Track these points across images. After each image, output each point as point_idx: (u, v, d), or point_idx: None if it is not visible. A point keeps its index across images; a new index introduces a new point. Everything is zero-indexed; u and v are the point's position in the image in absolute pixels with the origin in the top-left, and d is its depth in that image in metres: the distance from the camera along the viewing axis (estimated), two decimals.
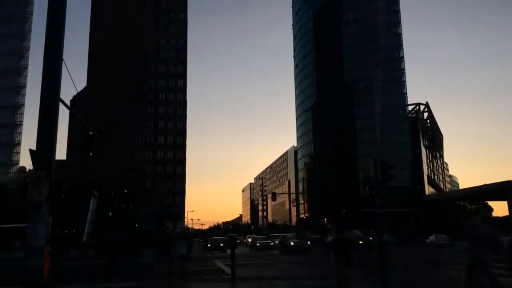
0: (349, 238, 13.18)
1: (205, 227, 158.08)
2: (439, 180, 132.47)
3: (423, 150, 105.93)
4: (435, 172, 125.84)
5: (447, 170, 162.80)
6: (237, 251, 20.69)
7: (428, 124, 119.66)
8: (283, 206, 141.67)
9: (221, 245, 41.68)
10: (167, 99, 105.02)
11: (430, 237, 46.42)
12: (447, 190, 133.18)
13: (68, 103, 11.19)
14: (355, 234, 38.33)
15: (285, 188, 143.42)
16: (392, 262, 16.32)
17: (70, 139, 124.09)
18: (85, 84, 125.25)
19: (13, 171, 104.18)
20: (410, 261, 23.49)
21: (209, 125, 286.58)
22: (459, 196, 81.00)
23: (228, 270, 16.71)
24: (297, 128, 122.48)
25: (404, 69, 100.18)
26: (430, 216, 75.26)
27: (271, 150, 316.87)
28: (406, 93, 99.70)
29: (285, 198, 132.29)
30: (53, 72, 8.11)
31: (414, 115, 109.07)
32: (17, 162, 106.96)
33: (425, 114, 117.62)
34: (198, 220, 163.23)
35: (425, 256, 27.89)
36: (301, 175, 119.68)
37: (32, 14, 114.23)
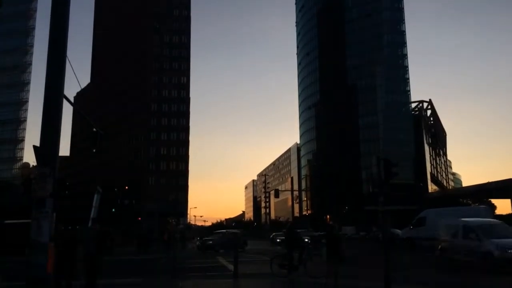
0: (341, 234, 13.09)
1: (208, 223, 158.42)
2: (442, 177, 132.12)
3: (426, 147, 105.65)
4: (438, 170, 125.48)
5: (450, 167, 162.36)
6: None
7: (432, 122, 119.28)
8: (286, 203, 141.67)
9: None
10: (170, 96, 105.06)
11: None
12: (450, 188, 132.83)
13: (72, 100, 11.23)
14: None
15: (288, 185, 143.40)
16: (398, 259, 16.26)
17: (74, 136, 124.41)
18: (88, 81, 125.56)
19: (17, 167, 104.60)
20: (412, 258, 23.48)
21: (212, 122, 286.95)
22: (462, 194, 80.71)
23: (230, 266, 16.75)
24: (300, 125, 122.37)
25: (407, 67, 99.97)
26: None
27: (274, 147, 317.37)
28: (409, 91, 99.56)
29: (288, 195, 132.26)
30: (57, 69, 8.12)
31: (417, 112, 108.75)
32: (21, 158, 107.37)
33: (429, 112, 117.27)
34: (201, 216, 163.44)
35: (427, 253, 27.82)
36: (304, 172, 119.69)
37: (36, 10, 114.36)
